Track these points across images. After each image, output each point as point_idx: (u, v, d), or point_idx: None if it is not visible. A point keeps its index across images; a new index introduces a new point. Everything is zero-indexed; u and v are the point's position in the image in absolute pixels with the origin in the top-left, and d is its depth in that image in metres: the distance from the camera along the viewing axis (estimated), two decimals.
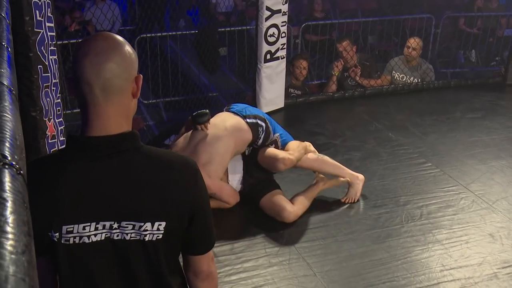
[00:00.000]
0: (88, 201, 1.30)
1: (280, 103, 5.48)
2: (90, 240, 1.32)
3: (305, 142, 3.82)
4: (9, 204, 0.59)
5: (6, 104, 0.81)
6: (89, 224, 1.31)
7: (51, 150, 2.76)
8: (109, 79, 1.26)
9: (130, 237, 1.33)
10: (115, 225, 1.32)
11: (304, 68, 5.74)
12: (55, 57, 2.79)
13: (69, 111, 4.47)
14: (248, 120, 3.54)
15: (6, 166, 0.66)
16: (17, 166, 0.68)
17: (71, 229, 1.30)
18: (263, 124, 3.58)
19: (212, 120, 3.48)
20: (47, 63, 2.68)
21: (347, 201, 3.73)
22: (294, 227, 3.46)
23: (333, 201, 3.76)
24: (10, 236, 0.54)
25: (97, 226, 1.31)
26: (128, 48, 1.31)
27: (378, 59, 7.26)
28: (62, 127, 2.85)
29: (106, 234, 1.33)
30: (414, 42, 5.99)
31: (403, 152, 4.55)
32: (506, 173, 4.19)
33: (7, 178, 0.64)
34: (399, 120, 5.25)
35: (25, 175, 0.70)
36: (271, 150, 3.58)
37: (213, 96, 6.65)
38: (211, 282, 1.51)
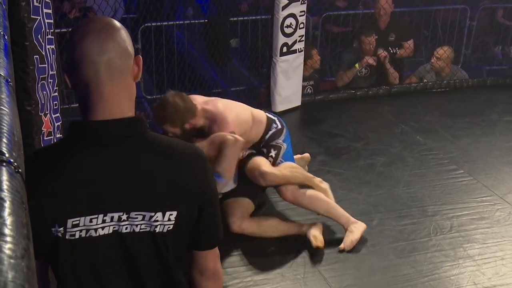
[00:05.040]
0: (94, 192, 1.32)
1: (296, 101, 5.48)
2: (98, 234, 1.34)
3: (309, 175, 3.65)
4: (7, 204, 0.60)
5: (3, 96, 0.83)
6: (96, 216, 1.33)
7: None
8: (112, 58, 1.31)
9: (140, 229, 1.37)
10: (124, 217, 1.35)
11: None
12: (53, 46, 2.81)
13: (67, 106, 4.51)
14: (268, 114, 3.74)
15: (4, 164, 0.67)
16: (15, 163, 0.69)
17: (77, 222, 1.32)
18: (279, 126, 3.70)
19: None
20: (44, 53, 2.69)
21: (341, 247, 3.36)
22: None
23: (352, 209, 3.75)
24: (8, 239, 0.55)
25: (104, 218, 1.33)
26: (124, 29, 1.38)
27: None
28: (59, 123, 2.86)
29: (114, 227, 1.35)
30: (442, 52, 5.93)
31: (432, 158, 4.53)
32: None
33: (4, 177, 0.65)
34: (428, 121, 5.23)
35: (23, 174, 0.71)
36: (259, 160, 3.53)
37: (223, 91, 6.66)
38: (217, 282, 1.56)
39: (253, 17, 6.99)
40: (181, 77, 6.38)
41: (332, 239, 3.43)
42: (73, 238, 1.33)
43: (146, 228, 1.37)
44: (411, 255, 3.31)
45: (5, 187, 0.63)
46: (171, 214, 1.37)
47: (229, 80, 6.87)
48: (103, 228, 1.34)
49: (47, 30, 2.73)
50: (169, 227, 1.38)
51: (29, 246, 0.58)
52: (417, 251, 3.34)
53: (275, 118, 3.73)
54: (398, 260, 3.26)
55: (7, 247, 0.54)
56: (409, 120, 5.22)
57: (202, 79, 6.71)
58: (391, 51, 6.11)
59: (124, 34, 1.35)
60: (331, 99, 5.71)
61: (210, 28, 6.76)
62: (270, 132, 3.64)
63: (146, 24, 6.22)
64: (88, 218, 1.32)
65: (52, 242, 1.33)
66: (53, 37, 2.82)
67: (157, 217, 1.36)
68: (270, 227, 3.41)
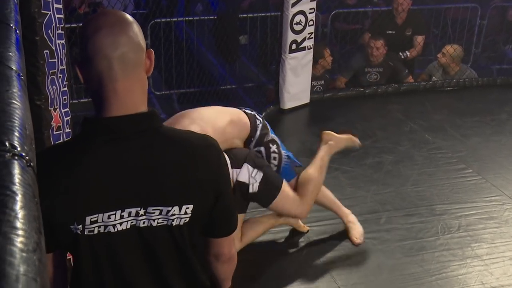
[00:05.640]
0: (111, 188, 1.33)
1: (305, 99, 5.47)
2: (116, 229, 1.36)
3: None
4: (19, 198, 0.60)
5: (15, 90, 0.83)
6: (114, 212, 1.34)
7: (56, 142, 2.79)
8: (126, 52, 1.31)
9: (157, 223, 1.38)
10: (142, 212, 1.36)
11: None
12: (63, 41, 2.81)
13: (76, 101, 4.52)
14: (246, 110, 3.22)
15: (16, 157, 0.67)
16: (27, 157, 0.69)
17: (95, 218, 1.33)
18: (260, 118, 3.23)
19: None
20: (54, 48, 2.70)
21: (358, 242, 3.37)
22: (317, 236, 3.45)
23: (360, 207, 3.75)
24: (20, 232, 0.55)
25: (122, 214, 1.34)
26: (136, 23, 1.37)
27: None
28: (68, 118, 2.87)
29: (132, 222, 1.37)
30: (448, 48, 5.92)
31: (441, 156, 4.52)
32: None
33: (16, 170, 0.65)
34: (437, 120, 5.21)
35: (35, 168, 0.71)
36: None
37: (231, 88, 6.65)
38: (231, 264, 1.62)
39: (263, 14, 6.98)
40: (190, 74, 6.38)
41: (336, 236, 3.43)
42: (92, 234, 1.34)
43: (163, 222, 1.39)
44: (418, 253, 3.30)
45: (17, 180, 0.63)
46: (188, 208, 1.39)
47: (237, 77, 6.87)
48: (121, 223, 1.36)
49: (57, 25, 2.74)
50: (185, 220, 1.40)
51: (41, 240, 0.58)
52: (424, 250, 3.33)
53: (254, 113, 3.22)
54: (406, 259, 3.26)
55: (19, 241, 0.54)
56: (418, 119, 5.20)
57: (211, 76, 6.71)
58: (402, 56, 6.14)
59: (136, 28, 1.35)
60: (339, 97, 5.70)
61: (219, 25, 6.75)
62: (258, 129, 3.17)
63: (155, 20, 6.22)
64: (106, 214, 1.33)
65: (71, 238, 1.34)
66: (63, 32, 2.83)
67: (174, 211, 1.38)
68: (254, 231, 3.27)
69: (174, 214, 1.38)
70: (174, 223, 1.39)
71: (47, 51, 2.66)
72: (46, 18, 2.64)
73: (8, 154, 0.68)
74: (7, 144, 0.70)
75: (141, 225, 1.37)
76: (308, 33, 5.22)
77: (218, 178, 1.45)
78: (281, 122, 5.27)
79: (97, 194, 1.32)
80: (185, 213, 1.39)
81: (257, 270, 3.14)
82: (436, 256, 3.28)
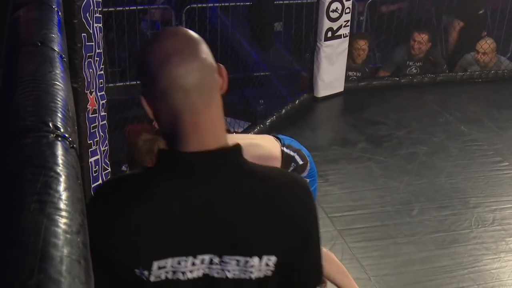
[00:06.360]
0: (184, 231, 1.17)
1: (339, 87, 5.43)
2: (186, 277, 1.19)
3: None
4: (62, 179, 0.60)
5: (57, 71, 0.83)
6: (185, 258, 1.17)
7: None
8: (202, 78, 1.16)
9: (233, 274, 1.20)
10: (216, 260, 1.19)
11: (363, 49, 5.67)
12: (100, 25, 2.83)
13: (112, 85, 4.55)
14: (285, 149, 2.95)
15: (59, 139, 0.67)
16: (70, 139, 0.69)
17: (164, 264, 1.17)
18: (300, 162, 2.94)
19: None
20: (91, 31, 2.72)
21: None
22: (348, 224, 3.43)
23: (392, 197, 3.71)
24: (64, 214, 0.55)
25: (194, 261, 1.18)
26: (201, 40, 1.23)
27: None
28: (104, 101, 2.90)
29: (204, 271, 1.19)
30: (486, 46, 5.79)
31: (476, 149, 4.44)
32: None
33: (60, 151, 0.65)
34: (473, 112, 5.12)
35: (77, 149, 0.71)
36: None
37: (265, 75, 6.63)
38: None
39: (299, 1, 6.92)
40: (224, 60, 6.37)
41: (368, 227, 3.41)
42: (158, 280, 1.18)
43: (240, 275, 1.20)
44: (451, 246, 3.26)
45: (60, 161, 0.63)
46: (269, 259, 1.20)
47: (271, 64, 6.84)
48: (192, 271, 1.19)
49: (95, 9, 2.76)
50: (266, 273, 1.21)
51: (84, 222, 0.58)
52: (457, 243, 3.29)
53: (294, 155, 2.94)
54: (438, 251, 3.22)
55: (63, 222, 0.54)
56: (453, 110, 5.12)
57: (245, 63, 6.69)
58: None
59: (205, 47, 1.20)
60: (374, 86, 5.64)
61: (254, 11, 6.72)
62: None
63: (191, 5, 6.22)
64: (176, 259, 1.17)
65: (134, 281, 1.19)
66: (100, 15, 2.85)
67: (253, 262, 1.19)
68: None
69: (253, 266, 1.19)
70: (253, 276, 1.20)
71: (85, 34, 2.69)
72: (84, 1, 2.66)
73: (52, 135, 0.68)
74: (50, 125, 0.70)
75: (215, 275, 1.19)
76: (344, 21, 5.16)
77: (307, 225, 1.26)
78: (314, 111, 5.25)
79: (167, 236, 1.16)
80: (266, 265, 1.20)
81: None
82: (469, 249, 3.24)
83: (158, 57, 1.15)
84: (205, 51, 1.19)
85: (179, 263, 1.17)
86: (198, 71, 1.15)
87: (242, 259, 1.19)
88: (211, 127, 1.18)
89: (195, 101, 1.15)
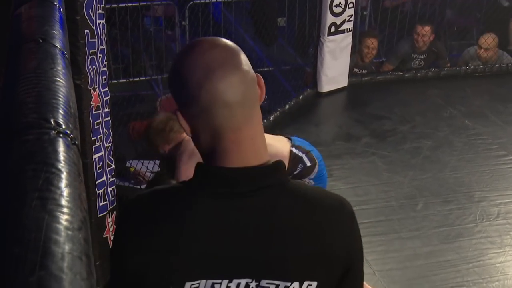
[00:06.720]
0: (220, 252, 1.10)
1: (343, 82, 5.42)
2: None
3: None
4: (64, 176, 0.60)
5: (59, 68, 0.83)
6: (220, 281, 1.11)
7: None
8: (245, 92, 1.10)
9: None
10: (253, 285, 1.12)
11: (373, 48, 5.66)
12: (103, 21, 2.83)
13: (115, 81, 4.56)
14: (293, 150, 2.99)
15: (61, 135, 0.67)
16: (71, 135, 0.69)
17: (197, 286, 1.11)
18: (307, 164, 2.98)
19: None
20: (94, 28, 2.72)
21: None
22: None
23: (396, 192, 3.71)
24: (66, 210, 0.55)
25: (229, 284, 1.11)
26: (240, 49, 1.17)
27: (455, 37, 7.06)
28: (107, 98, 2.89)
29: None
30: (490, 40, 5.76)
31: (481, 143, 4.43)
32: None
33: (61, 148, 0.65)
34: (477, 106, 5.11)
35: (79, 146, 0.71)
36: None
37: (269, 71, 6.63)
38: None
39: None
40: None
41: (373, 222, 3.41)
42: None
43: None
44: (455, 240, 3.26)
45: (62, 158, 0.63)
46: (310, 285, 1.13)
47: (275, 59, 6.84)
48: None
49: (98, 5, 2.75)
50: None
51: (86, 219, 0.58)
52: (462, 237, 3.29)
53: (303, 156, 2.98)
54: (442, 246, 3.22)
55: (64, 219, 0.54)
56: (457, 104, 5.11)
57: (249, 57, 6.68)
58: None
59: (244, 57, 1.14)
60: (378, 81, 5.63)
61: (257, 6, 6.72)
62: (295, 173, 2.94)
63: (194, 1, 6.22)
64: (210, 282, 1.10)
65: None
66: (103, 12, 2.85)
67: (293, 287, 1.12)
68: None
69: None
70: None
71: (88, 30, 2.68)
72: None
73: (53, 131, 0.68)
74: (52, 121, 0.70)
75: None
76: (348, 16, 5.15)
77: (350, 250, 1.19)
78: (318, 106, 5.24)
79: (201, 256, 1.10)
80: None
81: None
82: (474, 243, 3.24)
83: (199, 72, 1.08)
84: (246, 62, 1.13)
85: (212, 286, 1.11)
86: (241, 84, 1.09)
87: (281, 283, 1.12)
88: (252, 144, 1.12)
89: (238, 118, 1.09)
